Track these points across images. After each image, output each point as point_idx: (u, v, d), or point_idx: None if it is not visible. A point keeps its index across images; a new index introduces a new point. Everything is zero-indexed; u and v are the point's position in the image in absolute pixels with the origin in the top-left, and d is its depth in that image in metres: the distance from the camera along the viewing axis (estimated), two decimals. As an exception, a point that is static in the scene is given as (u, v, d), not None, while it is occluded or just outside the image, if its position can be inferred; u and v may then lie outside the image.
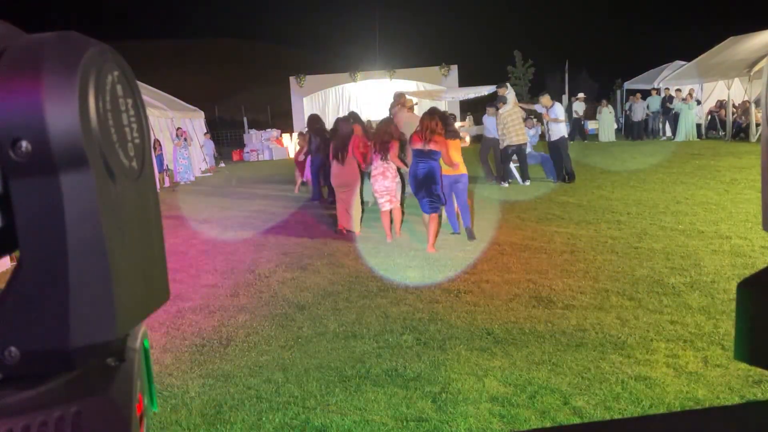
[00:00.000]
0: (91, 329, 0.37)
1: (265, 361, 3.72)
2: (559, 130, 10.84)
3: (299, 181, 12.03)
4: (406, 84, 23.84)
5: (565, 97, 23.07)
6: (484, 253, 6.05)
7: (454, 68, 25.36)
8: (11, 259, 5.03)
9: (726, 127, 17.83)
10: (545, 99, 11.14)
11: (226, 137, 29.06)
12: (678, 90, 19.77)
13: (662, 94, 20.30)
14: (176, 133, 15.73)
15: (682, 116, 18.43)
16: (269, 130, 24.90)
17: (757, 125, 15.76)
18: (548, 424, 2.78)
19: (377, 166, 6.85)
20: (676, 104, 19.02)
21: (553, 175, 11.08)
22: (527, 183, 11.01)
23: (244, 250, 6.93)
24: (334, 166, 7.54)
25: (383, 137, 6.89)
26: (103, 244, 0.36)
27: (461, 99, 18.72)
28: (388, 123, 7.20)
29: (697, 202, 8.02)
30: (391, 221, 6.99)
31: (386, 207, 6.92)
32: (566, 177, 10.82)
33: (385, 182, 6.82)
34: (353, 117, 8.66)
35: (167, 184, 15.12)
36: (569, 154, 11.05)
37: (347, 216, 7.44)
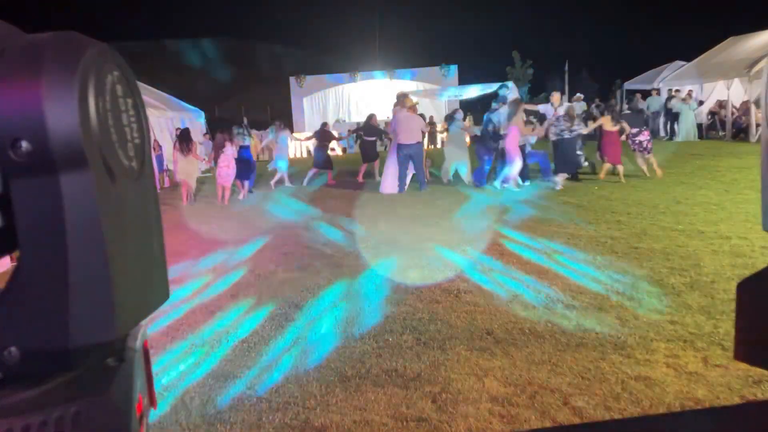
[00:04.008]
0: (91, 329, 0.37)
1: (265, 361, 3.72)
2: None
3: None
4: (406, 84, 23.84)
5: (565, 98, 23.05)
6: (484, 253, 6.05)
7: (454, 68, 25.35)
8: (11, 259, 5.03)
9: (726, 127, 17.83)
10: (555, 97, 11.12)
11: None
12: (677, 90, 19.78)
13: (664, 94, 20.31)
14: (175, 133, 15.73)
15: (682, 116, 18.43)
16: (269, 130, 24.87)
17: (757, 125, 15.77)
18: (548, 424, 2.78)
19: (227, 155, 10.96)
20: (674, 104, 19.03)
21: (550, 175, 11.08)
22: (527, 183, 11.01)
23: (244, 250, 6.93)
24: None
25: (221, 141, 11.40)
26: (103, 244, 0.36)
27: (463, 98, 18.66)
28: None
29: (697, 203, 8.02)
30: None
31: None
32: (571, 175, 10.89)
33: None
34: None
35: (167, 184, 15.12)
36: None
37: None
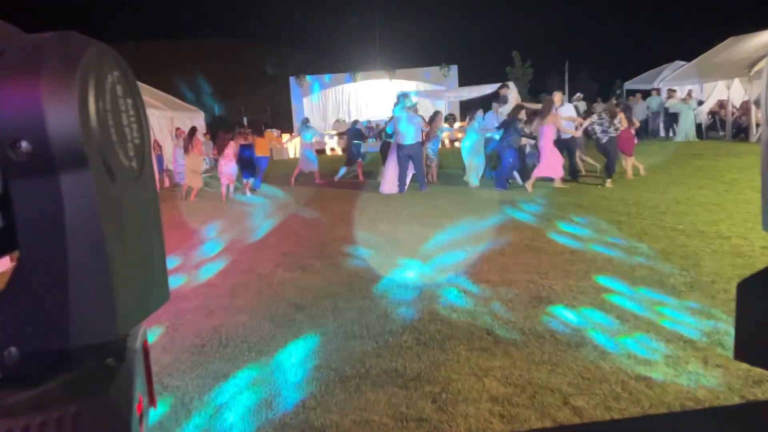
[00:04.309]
0: (91, 329, 0.37)
1: (265, 361, 3.72)
2: (570, 129, 10.81)
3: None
4: (406, 84, 23.84)
5: (565, 98, 23.06)
6: (484, 253, 6.05)
7: (454, 68, 25.34)
8: (11, 259, 5.02)
9: (726, 127, 17.84)
10: (557, 97, 11.08)
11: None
12: (673, 90, 19.80)
13: (664, 95, 20.34)
14: (175, 133, 15.75)
15: (682, 116, 18.44)
16: (269, 130, 24.90)
17: (757, 125, 15.77)
18: (548, 424, 2.78)
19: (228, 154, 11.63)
20: (671, 103, 19.05)
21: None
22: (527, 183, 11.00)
23: (243, 250, 6.94)
24: None
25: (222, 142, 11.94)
26: (103, 244, 0.36)
27: (464, 99, 18.62)
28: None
29: (697, 203, 8.02)
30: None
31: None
32: (571, 175, 10.91)
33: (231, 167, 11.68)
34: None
35: (167, 184, 15.12)
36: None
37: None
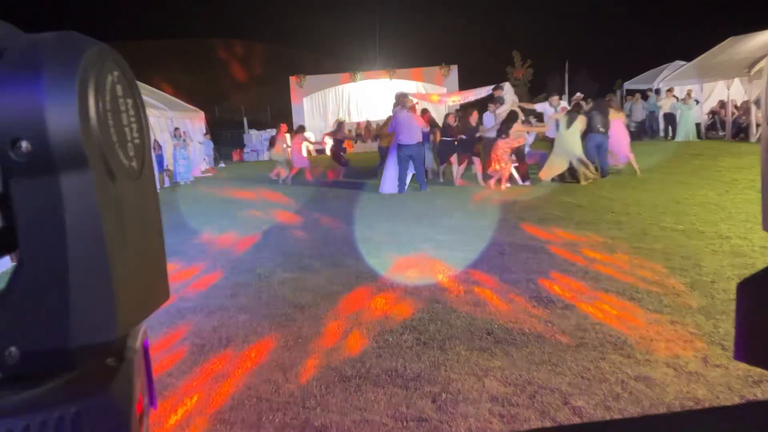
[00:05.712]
0: (91, 329, 0.37)
1: (265, 361, 3.72)
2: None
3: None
4: (406, 84, 23.82)
5: (565, 97, 23.09)
6: (484, 253, 6.05)
7: (454, 68, 25.34)
8: (11, 259, 5.01)
9: (726, 127, 17.85)
10: (555, 99, 11.25)
11: (226, 137, 29.14)
12: (669, 90, 19.83)
13: (662, 95, 20.38)
14: (174, 133, 15.79)
15: (682, 116, 18.45)
16: (269, 130, 24.90)
17: (757, 125, 15.77)
18: (548, 424, 2.78)
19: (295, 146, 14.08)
20: (666, 103, 19.12)
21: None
22: (527, 183, 11.01)
23: (244, 250, 6.94)
24: None
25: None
26: (103, 244, 0.36)
27: (463, 102, 18.56)
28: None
29: (697, 203, 8.02)
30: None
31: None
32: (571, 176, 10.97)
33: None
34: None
35: (167, 184, 15.13)
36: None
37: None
